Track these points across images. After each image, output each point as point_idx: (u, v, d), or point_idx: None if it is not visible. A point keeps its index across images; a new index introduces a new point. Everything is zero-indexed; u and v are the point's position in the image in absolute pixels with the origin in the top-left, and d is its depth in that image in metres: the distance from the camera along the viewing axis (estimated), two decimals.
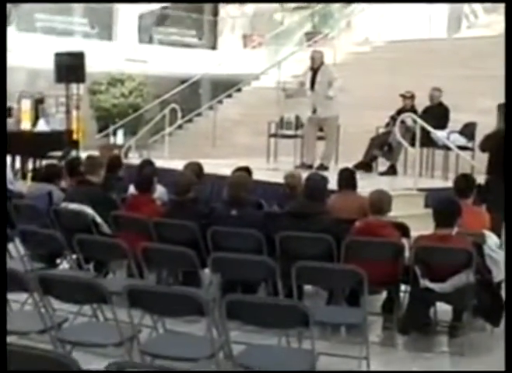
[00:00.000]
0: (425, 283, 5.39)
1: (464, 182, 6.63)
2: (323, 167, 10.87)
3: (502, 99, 7.74)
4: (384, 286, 5.71)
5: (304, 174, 7.14)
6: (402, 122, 10.84)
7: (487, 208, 6.96)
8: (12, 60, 12.79)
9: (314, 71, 11.15)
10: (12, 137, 12.45)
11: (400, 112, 11.39)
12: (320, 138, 11.54)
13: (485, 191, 7.42)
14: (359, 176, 7.81)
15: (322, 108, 11.08)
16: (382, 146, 11.48)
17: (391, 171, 11.28)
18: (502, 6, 8.70)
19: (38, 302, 4.42)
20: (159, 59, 18.72)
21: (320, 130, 11.52)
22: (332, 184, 7.02)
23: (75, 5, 19.26)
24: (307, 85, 11.21)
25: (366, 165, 11.37)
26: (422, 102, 11.52)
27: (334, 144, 11.68)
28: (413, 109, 11.35)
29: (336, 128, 11.59)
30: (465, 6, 19.50)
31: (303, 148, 11.81)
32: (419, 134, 10.10)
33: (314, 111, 11.18)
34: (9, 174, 9.84)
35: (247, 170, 7.61)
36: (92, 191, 7.12)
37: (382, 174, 11.26)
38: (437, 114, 11.07)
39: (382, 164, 11.64)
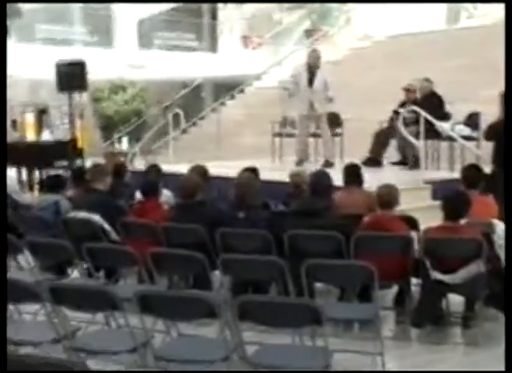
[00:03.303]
0: (435, 275, 5.38)
1: (472, 172, 6.61)
2: (328, 164, 10.85)
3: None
4: (394, 280, 5.70)
5: (300, 169, 7.13)
6: (404, 118, 10.83)
7: (494, 197, 6.92)
8: (12, 71, 12.81)
9: (312, 69, 11.09)
10: (17, 149, 12.47)
11: (403, 105, 11.35)
12: (316, 135, 11.52)
13: (491, 180, 7.39)
14: (365, 171, 7.79)
15: (319, 104, 11.05)
16: (386, 143, 11.49)
17: (406, 163, 11.21)
18: None
19: (50, 312, 4.42)
20: (159, 64, 18.74)
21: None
22: (338, 180, 7.01)
23: (74, 14, 19.29)
24: (303, 83, 11.13)
25: (375, 161, 11.35)
26: None
27: (331, 139, 11.62)
28: (416, 102, 11.31)
29: (330, 124, 11.52)
30: None
31: (297, 144, 11.73)
32: (423, 126, 10.08)
33: (312, 107, 11.13)
34: (15, 185, 9.83)
35: (253, 171, 7.60)
36: (99, 199, 7.12)
37: (395, 164, 11.32)
38: (432, 104, 10.98)
39: (390, 155, 11.65)
